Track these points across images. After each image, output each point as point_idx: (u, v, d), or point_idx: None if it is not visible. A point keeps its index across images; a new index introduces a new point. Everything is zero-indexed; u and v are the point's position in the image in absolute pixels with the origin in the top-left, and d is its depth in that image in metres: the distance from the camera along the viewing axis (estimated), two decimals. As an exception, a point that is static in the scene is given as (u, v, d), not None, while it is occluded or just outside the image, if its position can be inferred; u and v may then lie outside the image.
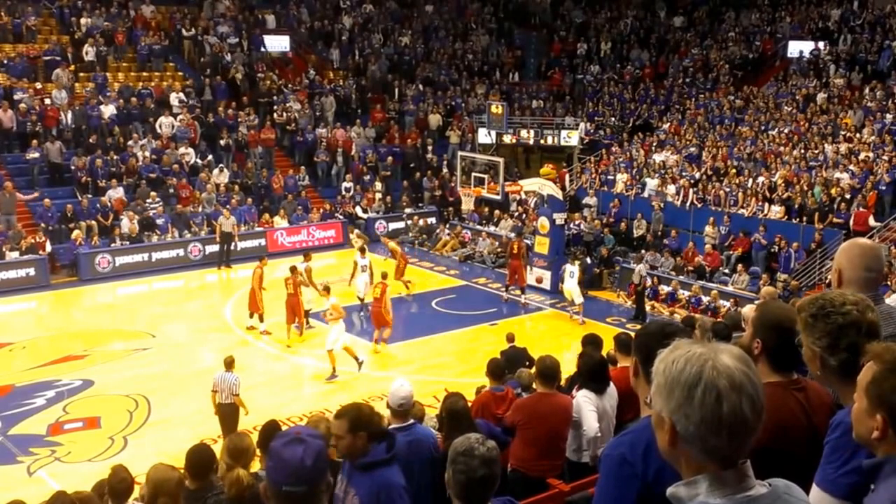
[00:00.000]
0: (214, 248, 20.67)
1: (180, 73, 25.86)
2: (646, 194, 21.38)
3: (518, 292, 17.79)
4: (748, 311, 6.30)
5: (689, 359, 1.51)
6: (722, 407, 1.46)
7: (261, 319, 15.43)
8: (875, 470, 1.74)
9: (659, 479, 2.07)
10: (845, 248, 2.84)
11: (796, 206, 18.60)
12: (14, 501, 5.24)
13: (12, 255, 18.39)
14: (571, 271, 16.44)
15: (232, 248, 20.34)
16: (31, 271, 18.34)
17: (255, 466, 4.90)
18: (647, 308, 17.37)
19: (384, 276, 15.05)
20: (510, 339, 11.10)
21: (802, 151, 20.65)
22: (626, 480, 2.13)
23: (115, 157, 21.63)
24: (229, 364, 10.28)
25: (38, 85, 22.78)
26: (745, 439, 1.50)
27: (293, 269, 14.99)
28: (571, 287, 16.32)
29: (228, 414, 10.18)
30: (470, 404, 6.63)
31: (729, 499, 1.50)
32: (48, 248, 18.87)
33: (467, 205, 22.61)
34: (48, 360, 14.09)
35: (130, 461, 7.70)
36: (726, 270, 18.05)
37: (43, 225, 19.48)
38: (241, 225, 21.46)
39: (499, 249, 21.12)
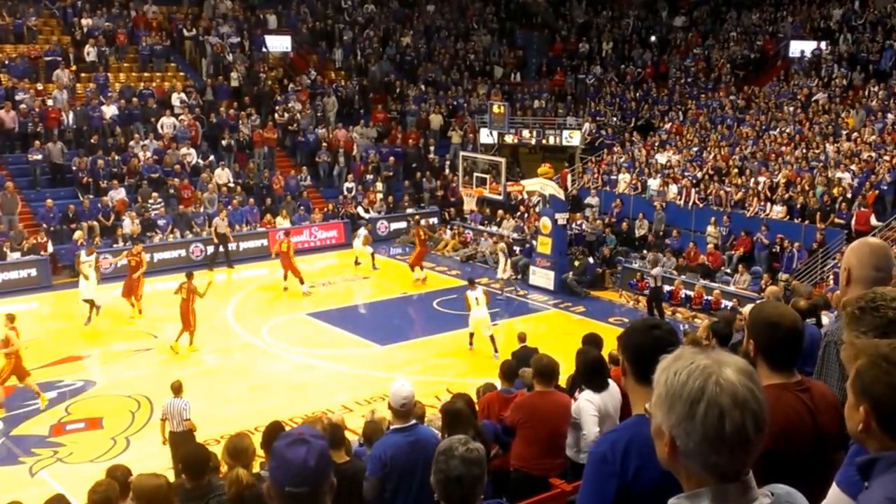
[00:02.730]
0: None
1: (182, 74, 25.89)
2: (647, 194, 21.38)
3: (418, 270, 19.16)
4: (748, 311, 6.29)
5: (691, 372, 1.46)
6: (724, 425, 1.42)
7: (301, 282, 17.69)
8: (868, 467, 1.74)
9: (638, 477, 2.13)
10: (854, 247, 2.83)
11: (798, 205, 18.58)
12: (13, 503, 5.26)
13: (14, 256, 18.43)
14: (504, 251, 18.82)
15: (230, 248, 20.30)
16: (33, 272, 18.36)
17: (257, 467, 4.91)
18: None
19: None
20: (521, 338, 10.98)
21: (804, 151, 20.64)
22: (605, 477, 2.17)
23: (116, 158, 21.66)
24: (177, 389, 9.54)
25: (40, 86, 22.81)
26: (747, 456, 1.47)
27: (189, 276, 14.63)
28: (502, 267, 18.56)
29: (181, 442, 9.23)
30: (477, 405, 6.65)
31: None
32: (50, 248, 18.90)
33: (469, 205, 22.63)
34: (50, 360, 14.10)
35: (132, 462, 7.71)
36: (728, 270, 18.05)
37: (45, 225, 19.53)
38: (243, 225, 21.52)
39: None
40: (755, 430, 1.45)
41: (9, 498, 8.54)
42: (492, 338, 14.22)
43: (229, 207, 21.12)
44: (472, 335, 14.56)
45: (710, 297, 16.80)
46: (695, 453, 1.46)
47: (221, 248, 20.21)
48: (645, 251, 19.46)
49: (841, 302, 2.35)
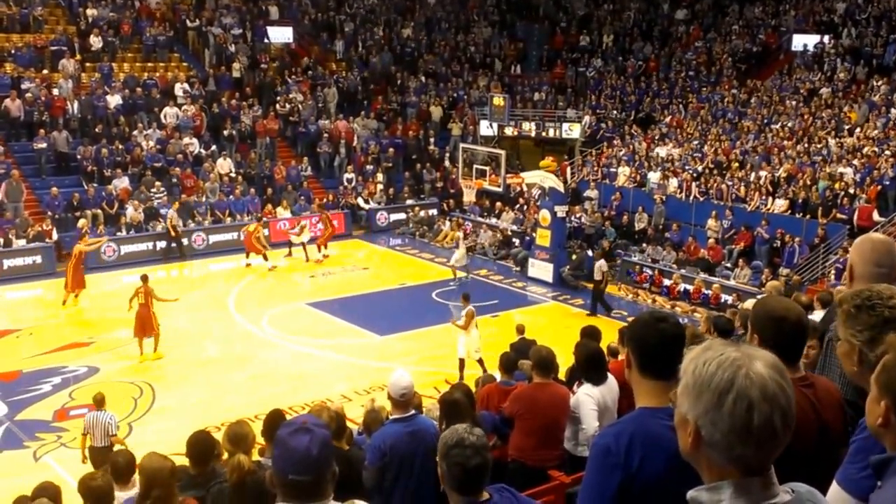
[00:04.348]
0: (218, 237, 20.81)
1: (185, 64, 25.92)
2: (647, 188, 21.42)
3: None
4: (749, 305, 6.35)
5: (721, 363, 1.46)
6: (753, 417, 1.42)
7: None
8: (882, 466, 1.71)
9: (642, 469, 2.13)
10: (857, 243, 2.83)
11: (800, 200, 18.59)
12: (45, 484, 5.36)
13: (19, 243, 18.58)
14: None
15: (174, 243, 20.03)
16: (38, 259, 18.50)
17: (256, 455, 5.00)
18: (650, 301, 17.45)
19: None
20: (520, 330, 11.02)
21: (806, 146, 20.64)
22: (609, 469, 2.17)
23: (120, 147, 21.75)
24: (99, 402, 8.98)
25: (45, 72, 22.83)
26: (773, 451, 1.47)
27: (145, 279, 13.70)
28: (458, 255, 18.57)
29: (105, 459, 8.27)
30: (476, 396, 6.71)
31: None
32: (54, 235, 19.06)
33: (469, 197, 22.66)
34: (54, 346, 14.22)
35: (135, 448, 7.83)
36: (728, 264, 18.10)
37: (49, 213, 19.65)
38: (244, 215, 21.59)
39: (501, 240, 21.25)
40: (783, 425, 1.44)
41: (12, 482, 8.66)
42: (481, 360, 12.45)
43: (181, 199, 20.81)
44: (463, 361, 12.52)
45: (708, 292, 16.87)
46: (720, 444, 1.45)
47: (174, 243, 19.97)
48: (644, 244, 19.53)
49: (836, 298, 2.33)
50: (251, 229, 19.28)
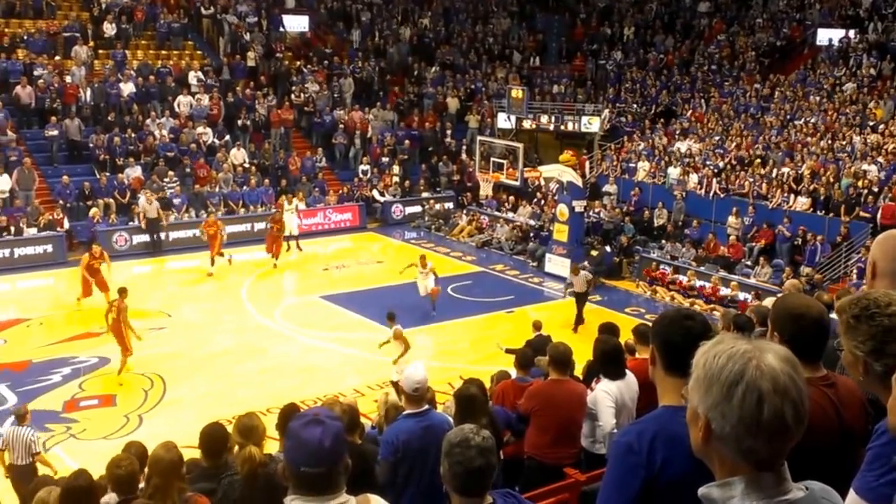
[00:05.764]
0: (231, 228, 20.61)
1: (199, 52, 25.83)
2: (667, 183, 21.09)
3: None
4: (769, 303, 6.08)
5: (731, 355, 1.44)
6: (763, 410, 1.40)
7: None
8: None
9: (665, 469, 2.08)
10: (880, 239, 2.74)
11: (822, 198, 18.23)
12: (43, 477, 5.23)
13: (30, 232, 18.54)
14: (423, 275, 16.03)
15: (162, 236, 19.42)
16: (49, 248, 18.48)
17: (272, 447, 4.84)
18: (668, 299, 17.14)
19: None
20: (537, 326, 10.94)
21: (829, 142, 20.24)
22: (631, 469, 2.13)
23: (132, 136, 21.67)
24: (21, 417, 8.43)
25: (58, 58, 22.82)
26: (785, 444, 1.45)
27: (122, 292, 12.46)
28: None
29: (25, 476, 8.01)
30: (489, 392, 6.53)
31: (765, 503, 1.44)
32: (66, 224, 19.03)
33: (485, 190, 22.43)
34: (65, 336, 14.18)
35: (145, 440, 7.67)
36: (749, 262, 17.77)
37: (61, 202, 19.60)
38: (257, 206, 21.44)
39: (518, 235, 20.99)
40: (794, 419, 1.42)
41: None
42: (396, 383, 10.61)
43: (153, 189, 19.95)
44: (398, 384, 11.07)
45: (727, 290, 16.53)
46: (730, 437, 1.44)
47: (153, 237, 19.24)
48: (664, 241, 19.22)
49: (836, 306, 2.23)
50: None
